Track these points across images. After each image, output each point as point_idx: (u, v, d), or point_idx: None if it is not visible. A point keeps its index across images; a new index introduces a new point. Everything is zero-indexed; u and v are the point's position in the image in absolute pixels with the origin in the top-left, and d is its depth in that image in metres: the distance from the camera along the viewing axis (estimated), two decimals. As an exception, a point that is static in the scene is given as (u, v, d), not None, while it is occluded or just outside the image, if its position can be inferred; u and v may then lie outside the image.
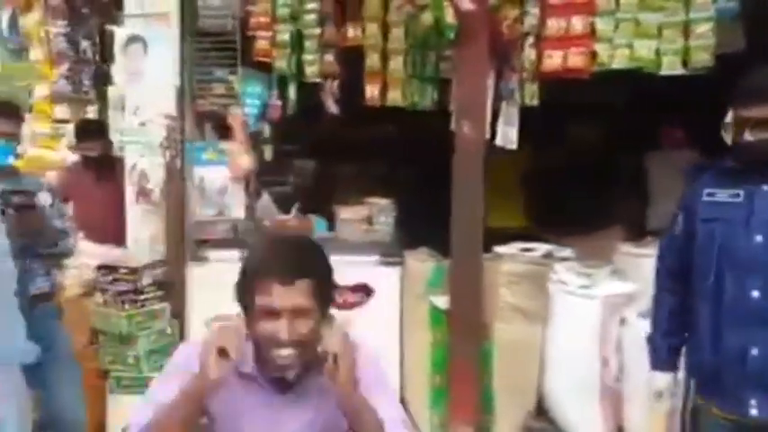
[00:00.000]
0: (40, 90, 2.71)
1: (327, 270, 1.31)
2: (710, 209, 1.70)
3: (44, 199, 2.41)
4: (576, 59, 2.66)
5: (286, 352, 1.22)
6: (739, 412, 1.64)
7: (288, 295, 1.21)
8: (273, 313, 1.21)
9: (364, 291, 3.03)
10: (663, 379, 1.85)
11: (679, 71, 2.56)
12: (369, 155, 4.22)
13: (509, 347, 2.85)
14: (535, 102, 2.80)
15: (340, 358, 1.21)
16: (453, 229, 2.78)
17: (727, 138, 1.70)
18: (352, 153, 4.20)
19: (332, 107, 2.99)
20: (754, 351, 1.61)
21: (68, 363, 2.54)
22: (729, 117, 1.68)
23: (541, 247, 3.08)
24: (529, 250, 3.07)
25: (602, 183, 3.77)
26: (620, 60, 2.62)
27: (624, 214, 3.65)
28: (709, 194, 1.72)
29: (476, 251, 2.77)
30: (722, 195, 1.69)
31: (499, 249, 2.98)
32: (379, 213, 3.18)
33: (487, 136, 2.79)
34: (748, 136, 1.61)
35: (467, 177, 2.73)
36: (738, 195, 1.66)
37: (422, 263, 2.99)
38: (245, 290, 1.27)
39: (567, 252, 3.05)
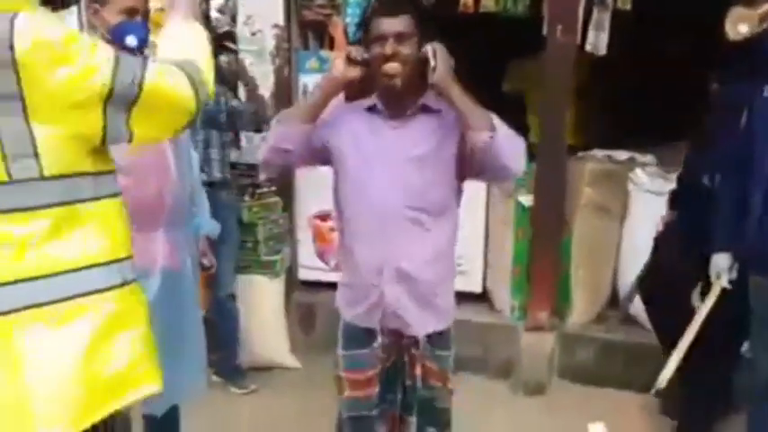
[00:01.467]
0: (156, 2, 2.96)
1: (422, 9, 1.68)
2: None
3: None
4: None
5: (391, 65, 1.57)
6: None
7: (391, 24, 1.58)
8: (383, 38, 1.58)
9: (453, 190, 3.29)
10: (723, 259, 2.05)
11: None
12: (462, 63, 4.35)
13: (588, 242, 3.10)
14: (628, 6, 2.86)
15: (437, 52, 1.54)
16: (541, 130, 2.97)
17: None
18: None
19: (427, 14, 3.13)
20: None
21: (231, 244, 2.95)
22: None
23: (623, 153, 3.24)
24: (610, 155, 3.24)
25: (686, 95, 3.78)
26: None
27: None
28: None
29: (561, 152, 2.96)
30: None
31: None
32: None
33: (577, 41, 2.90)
34: None
35: (557, 81, 2.87)
36: None
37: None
38: (366, 29, 1.64)
39: (647, 158, 3.20)
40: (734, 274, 2.04)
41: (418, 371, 1.73)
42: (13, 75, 1.06)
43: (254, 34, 3.22)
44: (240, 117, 2.96)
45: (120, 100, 1.13)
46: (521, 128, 3.56)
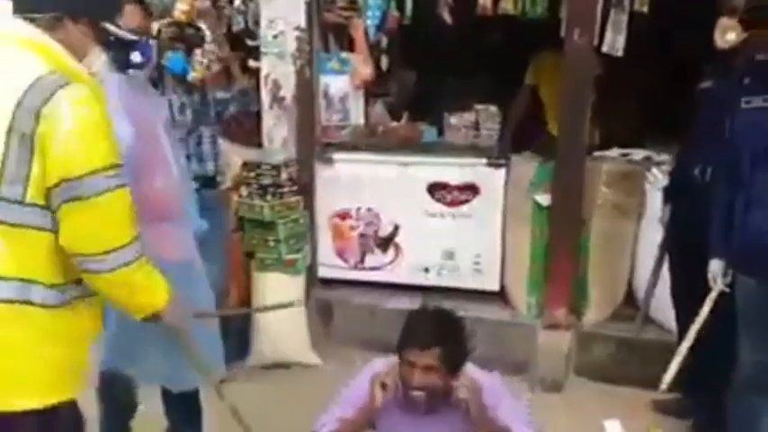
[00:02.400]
0: (182, 4, 3.07)
1: (458, 340, 1.73)
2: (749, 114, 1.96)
3: None
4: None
5: (416, 393, 1.69)
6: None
7: (421, 357, 1.67)
8: (411, 365, 1.68)
9: (471, 190, 3.34)
10: (717, 264, 2.14)
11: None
12: (479, 64, 4.41)
13: (605, 241, 3.13)
14: (645, 8, 2.89)
15: (470, 401, 1.66)
16: (560, 131, 3.01)
17: None
18: (462, 63, 4.41)
19: (446, 17, 3.18)
20: None
21: (216, 243, 2.99)
22: None
23: (640, 152, 3.27)
24: (627, 155, 3.27)
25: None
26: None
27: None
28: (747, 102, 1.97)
29: (580, 152, 3.00)
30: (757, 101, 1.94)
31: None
32: (487, 119, 3.41)
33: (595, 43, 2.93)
34: None
35: (575, 83, 2.91)
36: None
37: (526, 163, 3.25)
38: (400, 346, 1.74)
39: (664, 157, 3.22)
40: (728, 279, 2.12)
41: None
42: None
43: (276, 36, 3.29)
44: (227, 106, 3.09)
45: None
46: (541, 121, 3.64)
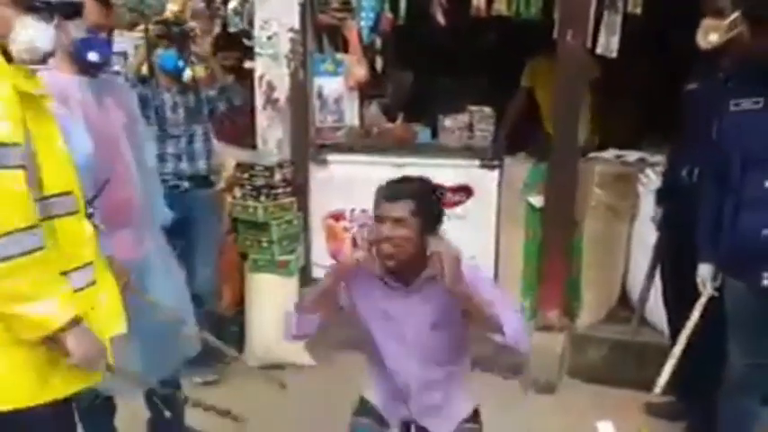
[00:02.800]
0: (173, 5, 3.08)
1: (428, 197, 1.70)
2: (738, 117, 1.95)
3: None
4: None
5: (387, 246, 1.67)
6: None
7: (391, 209, 1.66)
8: (381, 220, 1.67)
9: (465, 191, 3.32)
10: (706, 269, 2.13)
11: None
12: (473, 65, 4.41)
13: (598, 243, 3.13)
14: (638, 10, 2.89)
15: (444, 256, 1.59)
16: (554, 133, 3.01)
17: None
18: (456, 64, 4.40)
19: (440, 18, 3.18)
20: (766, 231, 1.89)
21: (208, 244, 3.07)
22: None
23: (634, 154, 3.27)
24: (621, 156, 3.27)
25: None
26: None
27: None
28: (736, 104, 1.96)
29: (573, 153, 3.00)
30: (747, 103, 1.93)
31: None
32: (480, 121, 3.41)
33: (589, 44, 2.93)
34: None
35: (568, 85, 2.91)
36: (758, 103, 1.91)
37: (520, 165, 3.25)
38: (373, 208, 1.72)
39: (658, 158, 3.22)
40: (718, 282, 2.11)
41: None
42: None
43: (269, 38, 3.29)
44: (216, 103, 3.11)
45: None
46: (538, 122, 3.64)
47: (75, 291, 1.40)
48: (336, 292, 1.77)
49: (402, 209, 1.65)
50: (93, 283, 1.46)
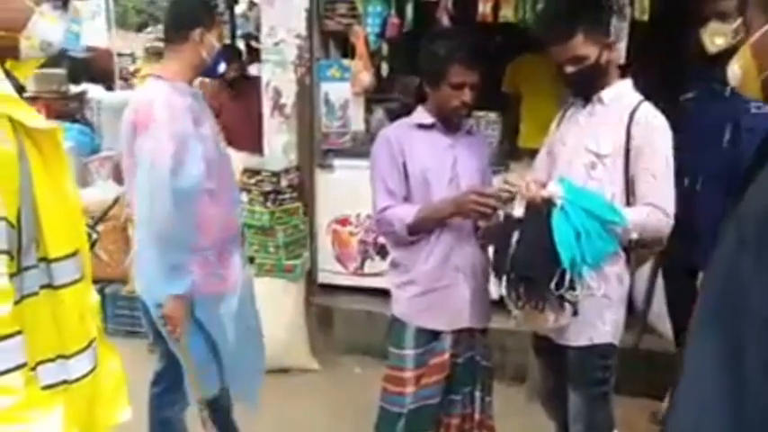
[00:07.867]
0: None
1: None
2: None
3: None
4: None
5: (464, 108, 1.94)
6: None
7: (470, 76, 1.89)
8: (461, 86, 1.89)
9: (470, 196, 3.34)
10: None
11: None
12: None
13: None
14: (645, 17, 2.88)
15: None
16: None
17: None
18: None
19: (446, 24, 3.18)
20: None
21: None
22: None
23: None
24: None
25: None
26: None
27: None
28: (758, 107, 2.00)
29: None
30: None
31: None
32: (486, 126, 3.41)
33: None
34: None
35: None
36: None
37: (524, 170, 3.24)
38: (439, 70, 1.89)
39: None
40: None
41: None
42: None
43: (276, 44, 3.31)
44: None
45: None
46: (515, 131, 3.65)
47: (78, 380, 1.19)
48: None
49: (479, 75, 1.93)
50: (95, 367, 1.23)
